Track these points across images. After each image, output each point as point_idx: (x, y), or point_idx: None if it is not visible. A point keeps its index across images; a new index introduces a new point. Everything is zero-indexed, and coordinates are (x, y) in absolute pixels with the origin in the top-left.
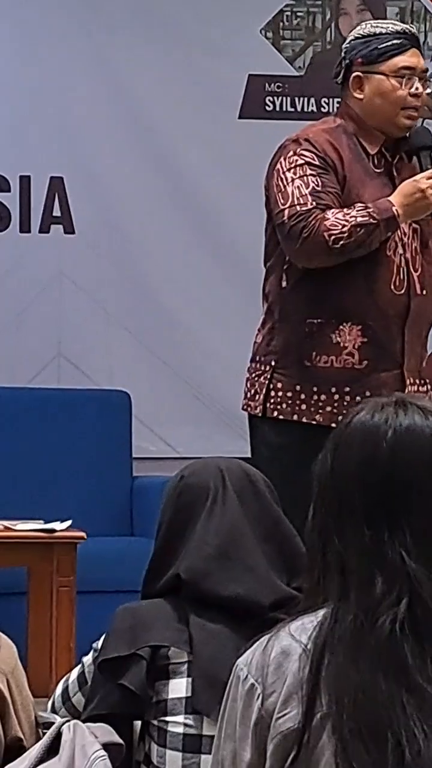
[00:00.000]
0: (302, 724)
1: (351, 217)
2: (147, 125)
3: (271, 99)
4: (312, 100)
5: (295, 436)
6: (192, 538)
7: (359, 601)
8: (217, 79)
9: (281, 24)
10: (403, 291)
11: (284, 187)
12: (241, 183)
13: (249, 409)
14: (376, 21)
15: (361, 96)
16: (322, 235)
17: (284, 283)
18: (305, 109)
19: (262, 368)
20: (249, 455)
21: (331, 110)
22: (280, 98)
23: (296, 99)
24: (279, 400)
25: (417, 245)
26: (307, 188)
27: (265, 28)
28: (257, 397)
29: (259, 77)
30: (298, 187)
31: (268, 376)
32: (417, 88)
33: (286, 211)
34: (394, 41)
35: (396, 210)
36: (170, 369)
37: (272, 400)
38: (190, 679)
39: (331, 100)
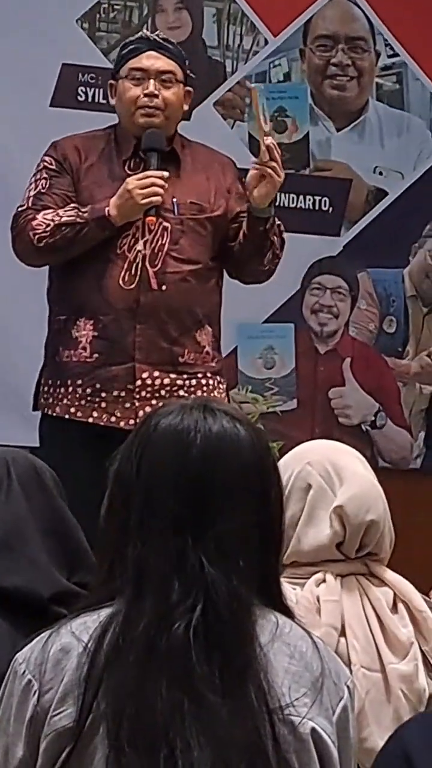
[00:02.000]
0: (77, 722)
1: (58, 216)
2: None
3: (84, 89)
4: None
5: (44, 427)
6: None
7: (154, 605)
8: (30, 65)
9: (98, 16)
10: (132, 286)
11: (26, 191)
12: None
13: None
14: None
15: (113, 102)
16: (28, 234)
17: (49, 284)
18: None
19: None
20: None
21: None
22: (92, 89)
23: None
24: (39, 392)
25: (166, 242)
26: (34, 191)
27: (81, 19)
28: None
29: (72, 67)
30: (29, 190)
31: (40, 372)
32: (147, 88)
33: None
34: (131, 47)
35: (108, 210)
36: None
37: (39, 395)
38: None
39: None
